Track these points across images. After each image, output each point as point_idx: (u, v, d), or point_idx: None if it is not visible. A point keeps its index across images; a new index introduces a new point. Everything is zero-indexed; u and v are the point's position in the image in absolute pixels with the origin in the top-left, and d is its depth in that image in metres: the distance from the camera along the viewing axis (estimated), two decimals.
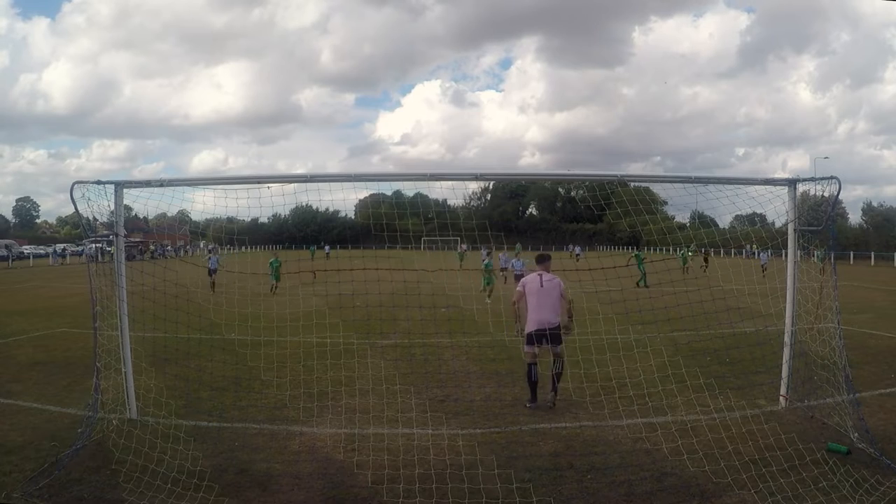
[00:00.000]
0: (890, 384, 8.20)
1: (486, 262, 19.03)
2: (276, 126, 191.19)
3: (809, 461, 5.23)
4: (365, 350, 10.02)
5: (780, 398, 7.18)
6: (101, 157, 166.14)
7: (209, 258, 21.90)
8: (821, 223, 6.61)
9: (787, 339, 7.10)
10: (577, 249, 49.40)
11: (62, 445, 5.79)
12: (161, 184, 6.61)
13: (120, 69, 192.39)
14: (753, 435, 5.84)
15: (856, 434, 5.93)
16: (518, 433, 6.42)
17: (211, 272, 20.15)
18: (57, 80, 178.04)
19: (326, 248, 50.48)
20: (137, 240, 41.37)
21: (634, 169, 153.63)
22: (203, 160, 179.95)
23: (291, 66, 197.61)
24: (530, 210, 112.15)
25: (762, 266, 20.07)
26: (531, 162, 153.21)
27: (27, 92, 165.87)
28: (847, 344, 6.58)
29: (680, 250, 32.87)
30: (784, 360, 7.15)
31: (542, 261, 7.84)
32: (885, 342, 11.62)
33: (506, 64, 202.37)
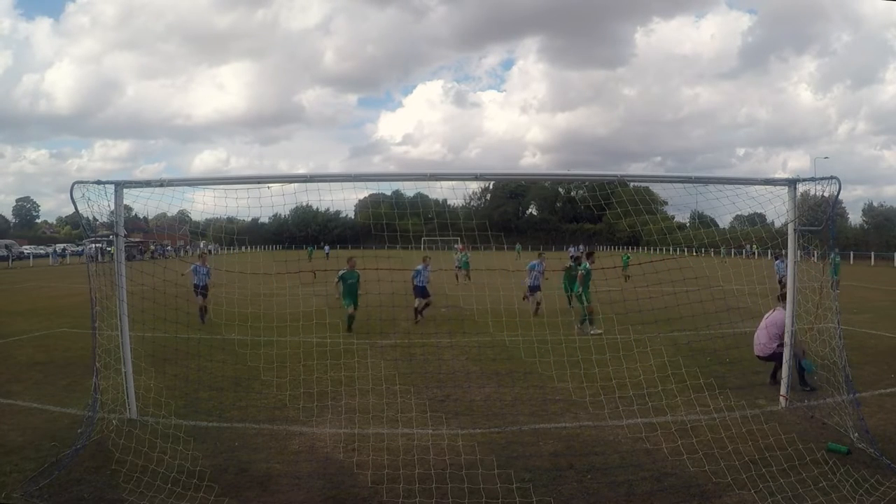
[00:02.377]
0: (890, 384, 8.20)
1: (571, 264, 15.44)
2: (279, 126, 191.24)
3: (809, 461, 5.23)
4: (365, 350, 10.02)
5: (780, 398, 7.18)
6: (102, 157, 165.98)
7: (194, 267, 14.33)
8: (821, 223, 6.61)
9: (787, 339, 7.11)
10: (572, 250, 48.60)
11: (62, 445, 5.79)
12: (161, 184, 6.61)
13: (123, 69, 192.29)
14: (753, 435, 5.85)
15: (856, 434, 5.93)
16: (518, 433, 6.42)
17: (199, 290, 13.94)
18: (60, 81, 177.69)
19: (326, 248, 50.47)
20: (137, 240, 41.38)
21: (635, 169, 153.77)
22: (205, 160, 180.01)
23: (294, 66, 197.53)
24: (530, 210, 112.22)
25: (779, 279, 16.29)
26: (532, 162, 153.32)
27: (30, 92, 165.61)
28: (847, 344, 6.58)
29: (624, 253, 31.65)
30: (784, 360, 7.15)
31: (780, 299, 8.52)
32: (885, 342, 11.62)
33: (508, 64, 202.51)
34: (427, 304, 14.76)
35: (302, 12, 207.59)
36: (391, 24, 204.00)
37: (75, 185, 6.02)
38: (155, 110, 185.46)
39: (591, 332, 11.96)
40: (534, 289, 15.65)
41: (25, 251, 58.45)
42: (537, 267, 16.04)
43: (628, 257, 27.92)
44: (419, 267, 14.99)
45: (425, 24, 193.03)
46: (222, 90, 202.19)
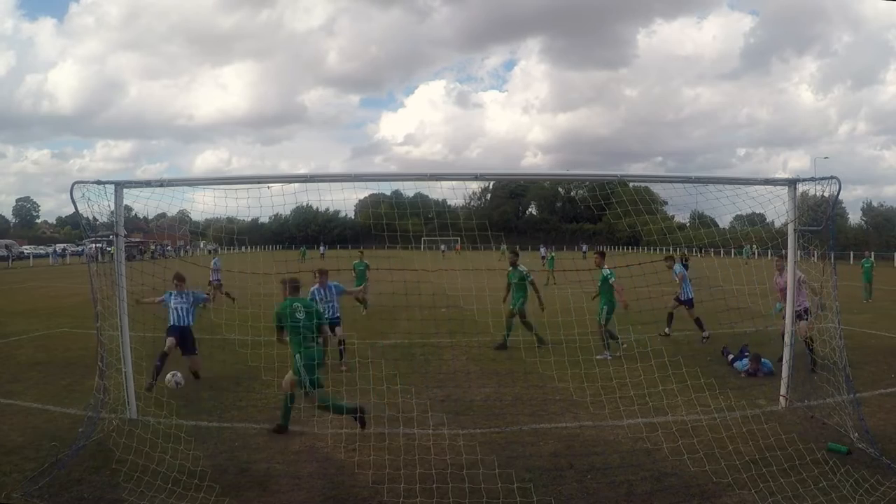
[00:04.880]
0: (890, 384, 8.20)
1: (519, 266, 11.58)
2: (281, 126, 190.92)
3: (809, 461, 5.22)
4: (365, 350, 10.02)
5: (780, 398, 7.18)
6: (104, 158, 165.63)
7: (166, 298, 8.50)
8: (821, 223, 6.61)
9: (787, 339, 7.11)
10: (543, 250, 46.66)
11: (62, 445, 5.78)
12: (161, 184, 6.62)
13: (126, 70, 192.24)
14: (753, 435, 5.84)
15: (856, 434, 5.93)
16: (518, 433, 6.42)
17: (178, 337, 8.32)
18: (62, 81, 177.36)
19: (321, 248, 49.84)
20: (137, 240, 41.36)
21: (636, 169, 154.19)
22: (206, 160, 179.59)
23: (298, 67, 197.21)
24: (530, 210, 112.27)
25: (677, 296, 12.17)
26: (533, 162, 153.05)
27: (32, 92, 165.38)
28: (847, 344, 6.58)
29: (549, 252, 30.68)
30: (784, 360, 7.15)
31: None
32: (885, 342, 11.62)
33: (510, 65, 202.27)
34: (342, 342, 9.64)
35: (306, 13, 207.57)
36: (395, 25, 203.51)
37: (75, 185, 6.03)
38: (157, 110, 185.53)
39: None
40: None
41: (25, 251, 58.45)
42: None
43: (553, 257, 27.97)
44: (313, 288, 9.65)
45: (429, 24, 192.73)
46: (225, 90, 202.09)
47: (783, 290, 8.12)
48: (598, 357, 9.43)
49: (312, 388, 6.26)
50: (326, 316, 8.67)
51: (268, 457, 5.76)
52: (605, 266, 10.66)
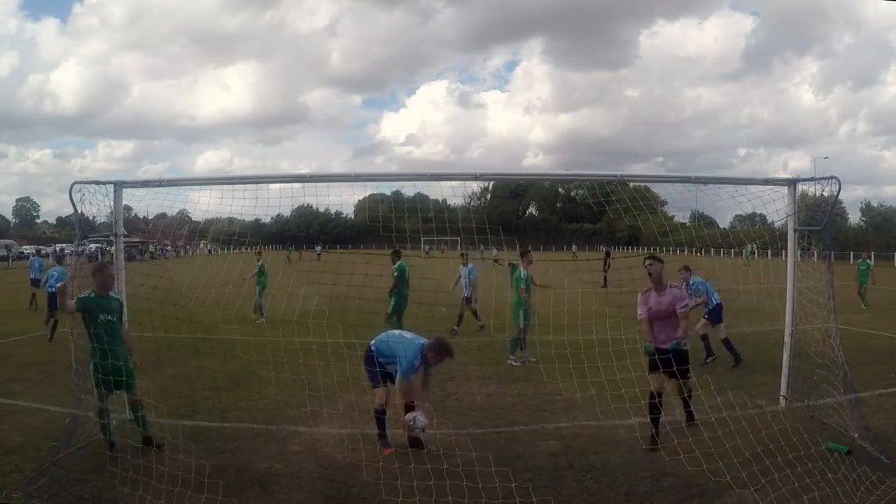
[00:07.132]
0: (890, 384, 8.19)
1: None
2: (283, 127, 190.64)
3: (809, 461, 5.22)
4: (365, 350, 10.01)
5: (780, 398, 7.18)
6: (106, 158, 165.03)
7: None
8: (820, 223, 6.60)
9: (787, 339, 7.10)
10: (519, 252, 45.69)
11: (62, 445, 5.78)
12: (160, 184, 6.62)
13: (128, 70, 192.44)
14: (753, 434, 5.83)
15: (856, 433, 5.93)
16: (518, 433, 6.42)
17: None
18: (65, 81, 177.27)
19: (317, 247, 49.27)
20: (137, 240, 41.33)
21: (637, 169, 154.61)
22: (208, 160, 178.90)
23: (300, 67, 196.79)
24: (530, 210, 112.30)
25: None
26: (535, 162, 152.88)
27: (35, 92, 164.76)
28: (847, 344, 6.57)
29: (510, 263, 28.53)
30: (784, 361, 7.14)
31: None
32: (885, 342, 11.62)
33: (511, 66, 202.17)
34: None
35: (310, 14, 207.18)
36: (398, 26, 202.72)
37: (74, 185, 6.02)
38: (159, 111, 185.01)
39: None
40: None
41: (25, 251, 58.40)
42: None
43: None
44: (464, 269, 12.94)
45: (431, 25, 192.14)
46: (227, 91, 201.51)
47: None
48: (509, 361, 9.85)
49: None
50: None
51: (268, 457, 5.76)
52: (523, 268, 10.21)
